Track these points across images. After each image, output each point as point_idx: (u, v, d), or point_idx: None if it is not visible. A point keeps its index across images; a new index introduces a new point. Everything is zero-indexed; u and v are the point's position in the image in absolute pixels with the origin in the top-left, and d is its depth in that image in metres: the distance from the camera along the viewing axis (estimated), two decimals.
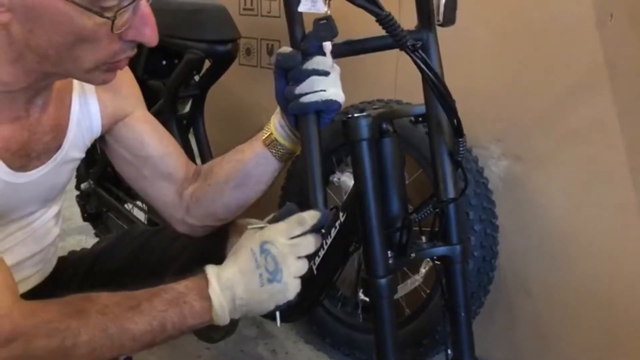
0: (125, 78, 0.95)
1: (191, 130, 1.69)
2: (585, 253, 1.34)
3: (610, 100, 1.24)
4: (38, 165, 0.86)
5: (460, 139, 0.85)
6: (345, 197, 1.22)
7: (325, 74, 0.82)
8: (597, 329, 1.37)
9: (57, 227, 1.01)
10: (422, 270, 1.42)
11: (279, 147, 0.91)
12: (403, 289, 1.46)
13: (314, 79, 0.81)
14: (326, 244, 1.17)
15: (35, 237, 0.94)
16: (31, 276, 0.98)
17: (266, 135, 0.91)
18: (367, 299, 0.95)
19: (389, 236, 0.91)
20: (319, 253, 1.21)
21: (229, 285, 0.75)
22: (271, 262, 0.75)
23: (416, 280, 1.43)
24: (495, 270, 1.37)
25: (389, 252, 0.91)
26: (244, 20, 1.89)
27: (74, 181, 1.99)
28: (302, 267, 0.79)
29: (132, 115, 0.96)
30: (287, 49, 0.84)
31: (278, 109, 0.90)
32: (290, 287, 0.76)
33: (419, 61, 0.78)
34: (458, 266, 0.98)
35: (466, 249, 1.00)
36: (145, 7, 0.73)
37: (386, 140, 0.93)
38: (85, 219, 1.94)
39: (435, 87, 0.81)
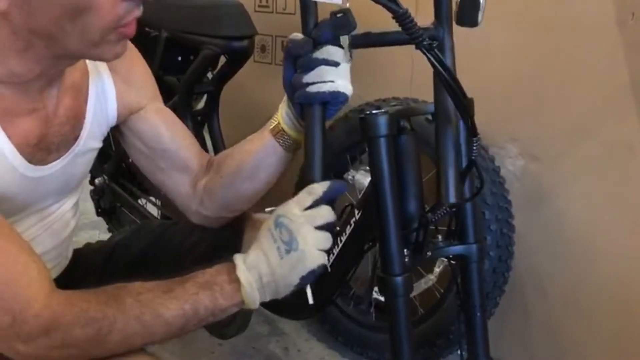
0: (142, 70, 0.95)
1: (205, 126, 1.69)
2: (602, 254, 1.33)
3: (630, 100, 1.23)
4: (57, 157, 0.86)
5: (474, 138, 0.83)
6: (359, 196, 1.22)
7: (335, 64, 0.80)
8: (613, 332, 1.36)
9: (74, 219, 1.01)
10: (436, 270, 1.41)
11: (285, 137, 0.90)
12: (417, 288, 1.45)
13: (323, 68, 0.80)
14: (341, 241, 1.17)
15: (54, 230, 0.94)
16: (50, 270, 0.98)
17: (274, 125, 0.90)
18: (381, 298, 0.95)
19: (405, 234, 0.91)
20: (333, 250, 1.21)
21: (254, 264, 0.76)
22: (285, 233, 0.75)
23: (430, 279, 1.42)
24: (510, 270, 1.36)
25: (405, 250, 0.91)
26: (259, 17, 1.88)
27: (88, 176, 2.00)
28: (324, 238, 0.78)
29: (148, 107, 0.96)
30: (299, 35, 0.82)
31: (285, 97, 0.88)
32: (310, 255, 0.76)
33: (434, 61, 0.77)
34: (474, 265, 0.97)
35: (482, 248, 1.00)
36: None
37: (404, 137, 0.92)
38: (98, 214, 1.95)
39: (449, 87, 0.80)
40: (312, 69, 0.80)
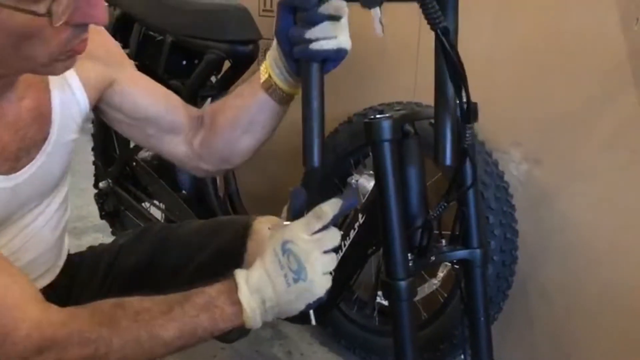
0: (104, 43, 0.91)
1: None
2: (606, 259, 1.33)
3: (634, 105, 1.23)
4: (28, 162, 0.82)
5: (468, 125, 0.82)
6: (363, 200, 1.22)
7: (339, 19, 0.76)
8: (617, 337, 1.35)
9: (64, 217, 0.98)
10: (440, 274, 1.42)
11: (278, 92, 0.87)
12: (420, 293, 1.45)
13: (328, 24, 0.76)
14: (344, 245, 1.18)
15: (42, 235, 0.92)
16: (44, 273, 0.97)
17: (264, 79, 0.87)
18: (384, 302, 0.94)
19: (409, 238, 0.91)
20: (337, 255, 1.21)
21: (257, 288, 0.73)
22: (294, 262, 0.72)
23: (434, 284, 1.42)
24: (514, 275, 1.36)
25: (409, 254, 0.91)
26: (264, 22, 1.88)
27: (91, 179, 2.01)
28: (330, 261, 0.75)
29: (119, 79, 0.93)
30: None
31: (274, 46, 0.84)
32: (317, 285, 0.73)
33: (447, 46, 0.75)
34: (478, 270, 0.97)
35: (486, 253, 0.99)
36: None
37: (408, 141, 0.93)
38: (102, 217, 1.96)
39: (454, 71, 0.78)
40: (317, 24, 0.75)
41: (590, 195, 1.32)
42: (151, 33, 1.58)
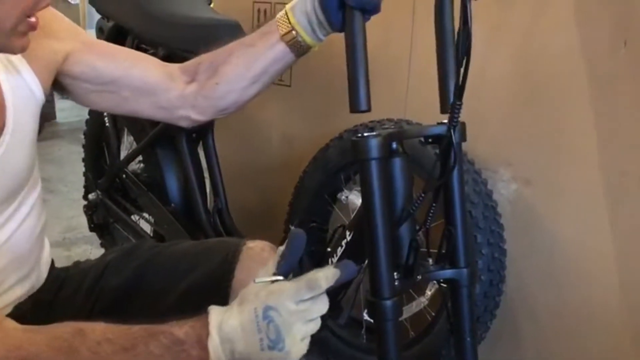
0: (52, 18, 0.91)
1: (200, 144, 1.69)
2: (595, 280, 1.32)
3: (623, 126, 1.23)
4: None
5: (458, 103, 0.83)
6: (352, 216, 1.22)
7: None
8: (605, 358, 1.35)
9: (38, 226, 0.95)
10: (428, 292, 1.41)
11: (301, 45, 0.90)
12: (408, 311, 1.45)
13: None
14: (332, 262, 1.17)
15: (13, 241, 0.89)
16: (16, 283, 0.93)
17: (286, 32, 0.89)
18: (371, 320, 0.94)
19: (395, 257, 0.91)
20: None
21: (229, 338, 0.67)
22: (273, 331, 0.66)
23: (421, 302, 1.42)
24: (502, 294, 1.35)
25: (395, 273, 0.91)
26: None
27: (81, 191, 2.00)
28: (313, 328, 0.69)
29: (73, 49, 0.92)
30: None
31: (300, 2, 0.87)
32: (293, 353, 0.68)
33: (468, 11, 0.77)
34: (465, 290, 0.97)
35: (473, 272, 0.99)
36: None
37: (396, 160, 0.93)
38: (91, 229, 1.94)
39: (464, 43, 0.80)
40: None
41: (579, 216, 1.32)
42: (143, 46, 1.58)
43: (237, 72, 0.95)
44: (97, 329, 0.69)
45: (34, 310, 0.95)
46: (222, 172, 1.62)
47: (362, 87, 0.84)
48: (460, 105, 0.83)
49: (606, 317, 1.32)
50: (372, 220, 0.87)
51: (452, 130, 0.86)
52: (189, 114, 0.99)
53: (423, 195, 0.89)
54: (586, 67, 1.26)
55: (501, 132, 1.41)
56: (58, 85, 0.94)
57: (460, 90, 0.82)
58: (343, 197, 1.56)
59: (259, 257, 0.97)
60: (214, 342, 0.67)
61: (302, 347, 0.68)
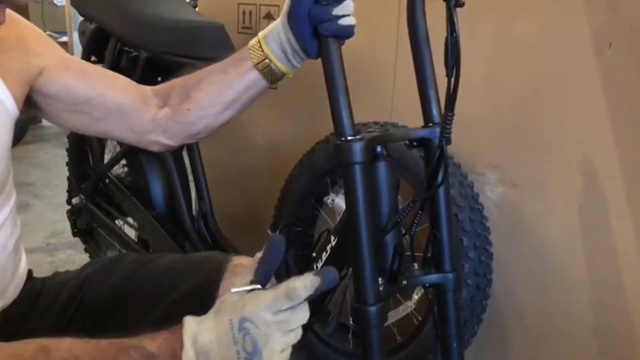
0: (26, 33, 0.88)
1: (185, 147, 1.68)
2: (582, 282, 1.32)
3: (609, 129, 1.23)
4: None
5: (450, 114, 0.82)
6: (337, 220, 1.20)
7: None
8: None
9: (12, 239, 0.91)
10: (415, 297, 1.40)
11: (275, 72, 0.89)
12: (395, 315, 1.43)
13: (350, 2, 0.80)
14: (317, 267, 1.16)
15: None
16: None
17: (259, 60, 0.89)
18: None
19: (380, 262, 0.90)
20: None
21: (204, 351, 0.64)
22: (249, 344, 0.63)
23: (408, 306, 1.41)
24: (489, 298, 1.35)
25: (379, 279, 0.90)
26: (242, 39, 1.86)
27: (64, 195, 1.97)
28: (293, 338, 0.66)
29: (48, 66, 0.90)
30: None
31: (277, 30, 0.87)
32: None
33: (454, 17, 0.78)
34: (451, 295, 0.96)
35: (459, 277, 0.98)
36: None
37: (380, 164, 0.92)
38: (75, 235, 1.92)
39: (453, 51, 0.79)
40: (341, 1, 0.80)
41: (566, 219, 1.32)
42: (125, 48, 1.56)
43: (209, 99, 0.93)
44: (63, 346, 0.66)
45: (6, 324, 0.92)
46: (207, 175, 1.61)
47: (345, 114, 0.83)
48: (452, 116, 0.82)
49: (594, 320, 1.32)
50: (356, 226, 0.86)
51: (443, 143, 0.84)
52: (159, 139, 0.98)
53: (411, 205, 0.87)
54: (571, 69, 1.26)
55: (487, 135, 1.40)
56: (31, 103, 0.92)
57: (452, 100, 0.81)
58: (329, 201, 1.55)
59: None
60: (188, 356, 0.64)
61: (282, 358, 0.65)
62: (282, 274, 0.71)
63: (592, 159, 1.27)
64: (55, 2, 5.51)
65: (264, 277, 0.68)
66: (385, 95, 1.55)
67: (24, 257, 0.99)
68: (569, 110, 1.28)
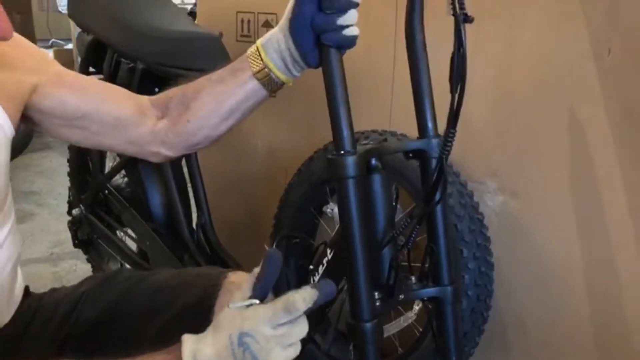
0: (18, 50, 0.88)
1: (183, 158, 1.67)
2: (584, 293, 1.30)
3: (609, 137, 1.21)
4: None
5: (452, 131, 0.80)
6: (334, 232, 1.19)
7: (357, 7, 0.79)
8: None
9: (11, 261, 0.90)
10: (416, 307, 1.38)
11: (275, 82, 0.88)
12: (395, 326, 1.42)
13: (354, 11, 0.79)
14: (314, 280, 1.15)
15: None
16: None
17: (258, 69, 0.87)
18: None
19: (375, 277, 0.88)
20: None
21: None
22: (249, 358, 0.63)
23: (409, 317, 1.39)
24: (490, 309, 1.33)
25: (375, 293, 0.88)
26: (241, 47, 1.84)
27: (66, 207, 1.97)
28: (293, 352, 0.66)
29: (42, 82, 0.89)
30: None
31: (277, 38, 0.85)
32: None
33: (462, 33, 0.76)
34: (449, 308, 0.95)
35: (458, 289, 0.97)
36: None
37: (375, 177, 0.90)
38: (76, 246, 1.91)
39: (459, 67, 0.78)
40: (347, 11, 0.78)
41: (566, 229, 1.30)
42: (122, 60, 1.56)
43: (208, 109, 0.92)
44: None
45: (2, 344, 0.91)
46: (206, 184, 1.60)
47: (345, 127, 0.82)
48: (454, 133, 0.80)
49: (595, 329, 1.30)
50: (350, 241, 0.84)
51: (443, 159, 0.82)
52: (159, 150, 0.97)
53: (408, 221, 0.86)
54: (571, 76, 1.25)
55: (487, 143, 1.39)
56: (27, 120, 0.92)
57: (455, 117, 0.79)
58: (329, 210, 1.54)
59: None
60: None
61: None
62: (281, 288, 0.71)
63: (592, 167, 1.25)
64: (60, 10, 5.55)
65: (262, 292, 0.68)
66: (384, 103, 1.54)
67: (20, 275, 0.99)
68: (569, 118, 1.26)
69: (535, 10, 1.28)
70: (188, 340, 0.66)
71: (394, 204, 0.96)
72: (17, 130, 0.87)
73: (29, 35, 3.82)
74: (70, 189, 1.96)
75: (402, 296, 0.93)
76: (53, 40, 5.73)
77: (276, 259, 0.69)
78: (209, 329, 0.67)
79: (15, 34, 0.87)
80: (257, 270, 0.71)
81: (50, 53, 4.72)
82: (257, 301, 0.68)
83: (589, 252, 1.28)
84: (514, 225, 1.36)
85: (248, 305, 0.67)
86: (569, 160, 1.28)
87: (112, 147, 0.99)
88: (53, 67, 0.93)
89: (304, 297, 0.64)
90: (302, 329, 0.66)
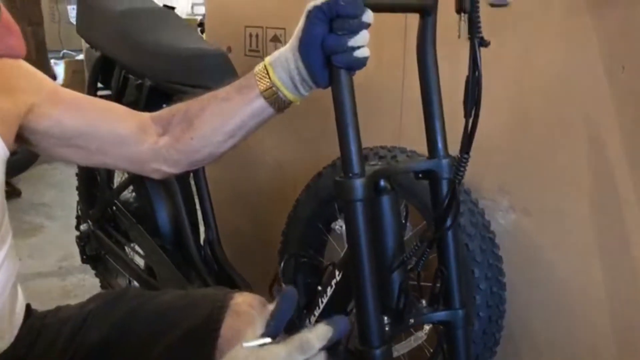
0: (16, 71, 0.86)
1: (191, 174, 1.66)
2: (599, 313, 1.27)
3: (623, 153, 1.19)
4: None
5: (465, 155, 0.79)
6: (343, 253, 1.17)
7: (368, 27, 0.78)
8: None
9: (9, 283, 0.88)
10: (426, 327, 1.36)
11: (282, 100, 0.86)
12: (406, 346, 1.39)
13: (366, 32, 0.77)
14: (322, 302, 1.13)
15: None
16: None
17: (266, 88, 0.85)
18: None
19: (385, 301, 0.86)
20: (315, 312, 1.16)
21: None
22: None
23: (419, 337, 1.37)
24: (502, 330, 1.30)
25: (385, 317, 0.86)
26: (249, 62, 1.86)
27: (74, 221, 1.97)
28: None
29: (37, 104, 0.87)
30: None
31: (286, 58, 0.83)
32: None
33: (477, 55, 0.76)
34: (460, 332, 0.93)
35: (470, 313, 0.95)
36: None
37: (384, 198, 0.89)
38: (84, 261, 1.91)
39: (474, 91, 0.78)
40: (358, 32, 0.77)
41: (581, 247, 1.27)
42: (131, 76, 1.56)
43: (212, 127, 0.90)
44: None
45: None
46: (214, 198, 1.59)
47: (354, 150, 0.80)
48: (467, 158, 0.79)
49: (613, 353, 1.27)
50: (359, 265, 0.83)
51: (456, 183, 0.81)
52: (161, 167, 0.96)
53: (418, 245, 0.84)
54: (584, 93, 1.22)
55: (498, 159, 1.36)
56: (25, 141, 0.90)
57: (469, 141, 0.78)
58: (337, 227, 1.52)
59: (246, 316, 0.92)
60: None
61: None
62: (294, 326, 0.70)
63: (606, 184, 1.23)
64: (71, 21, 5.59)
65: (275, 330, 0.66)
66: (393, 119, 1.52)
67: (20, 293, 0.98)
68: (582, 134, 1.24)
69: (549, 28, 1.26)
70: None
71: (403, 221, 0.94)
72: (12, 151, 0.86)
73: (41, 46, 3.84)
74: (78, 203, 1.96)
75: (412, 320, 0.91)
76: (64, 51, 5.77)
77: (292, 297, 0.67)
78: None
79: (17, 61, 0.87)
80: (271, 307, 0.68)
81: (61, 64, 4.75)
82: (269, 340, 0.66)
83: (605, 271, 1.25)
84: (526, 244, 1.34)
85: (261, 345, 0.65)
86: (582, 177, 1.26)
87: (112, 165, 0.99)
88: (49, 86, 0.92)
89: (318, 336, 0.62)
90: None
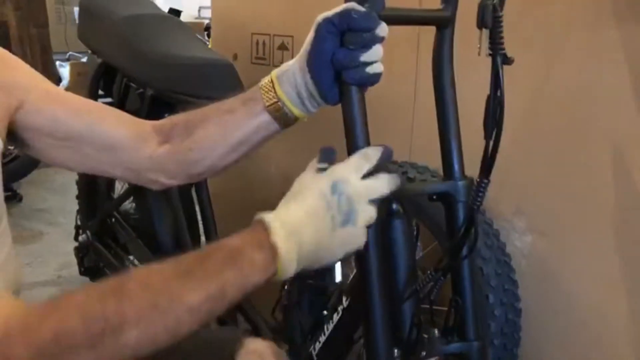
0: (8, 64, 0.84)
1: (193, 186, 1.61)
2: (619, 341, 1.21)
3: None
4: None
5: (485, 181, 0.74)
6: (350, 278, 1.12)
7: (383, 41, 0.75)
8: None
9: (10, 285, 0.84)
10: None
11: (288, 116, 0.82)
12: None
13: (379, 47, 0.74)
14: (328, 329, 1.07)
15: None
16: None
17: (271, 102, 0.81)
18: None
19: (395, 331, 0.81)
20: (320, 338, 1.11)
21: (295, 230, 0.65)
22: (345, 203, 0.67)
23: None
24: (517, 359, 1.24)
25: (395, 350, 0.81)
26: (256, 70, 1.82)
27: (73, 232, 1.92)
28: (372, 213, 0.70)
29: (30, 98, 0.84)
30: (358, 6, 0.72)
31: (287, 73, 0.80)
32: (361, 232, 0.69)
33: (500, 72, 0.73)
34: None
35: (486, 345, 0.89)
36: None
37: (395, 222, 0.84)
38: (82, 273, 1.86)
39: (495, 112, 0.74)
40: (371, 46, 0.73)
41: (600, 271, 1.22)
42: (132, 84, 1.51)
43: (213, 139, 0.86)
44: (141, 270, 0.64)
45: None
46: (216, 211, 1.54)
47: None
48: (487, 184, 0.74)
49: None
50: (369, 294, 0.78)
51: (474, 210, 0.75)
52: (159, 178, 0.91)
53: (432, 274, 0.79)
54: (605, 112, 1.17)
55: (514, 179, 1.31)
56: (17, 140, 0.86)
57: (489, 165, 0.73)
58: None
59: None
60: (279, 236, 0.64)
61: (365, 233, 0.69)
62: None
63: (626, 206, 1.17)
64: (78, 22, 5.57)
65: (329, 158, 0.72)
66: (404, 134, 1.48)
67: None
68: (602, 154, 1.19)
69: (572, 42, 1.20)
70: (265, 214, 0.67)
71: (414, 240, 0.89)
72: (13, 155, 0.82)
73: (45, 49, 3.82)
74: (77, 212, 1.91)
75: (424, 353, 0.86)
76: (70, 53, 5.77)
77: (331, 150, 0.74)
78: (285, 199, 0.71)
79: (6, 53, 0.84)
80: (315, 160, 0.74)
81: (67, 66, 4.73)
82: (327, 165, 0.72)
83: (625, 297, 1.19)
84: (543, 267, 1.28)
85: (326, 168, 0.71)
86: (603, 198, 1.20)
87: (107, 173, 0.94)
88: (44, 84, 0.89)
89: (373, 149, 0.72)
90: (382, 184, 0.70)
